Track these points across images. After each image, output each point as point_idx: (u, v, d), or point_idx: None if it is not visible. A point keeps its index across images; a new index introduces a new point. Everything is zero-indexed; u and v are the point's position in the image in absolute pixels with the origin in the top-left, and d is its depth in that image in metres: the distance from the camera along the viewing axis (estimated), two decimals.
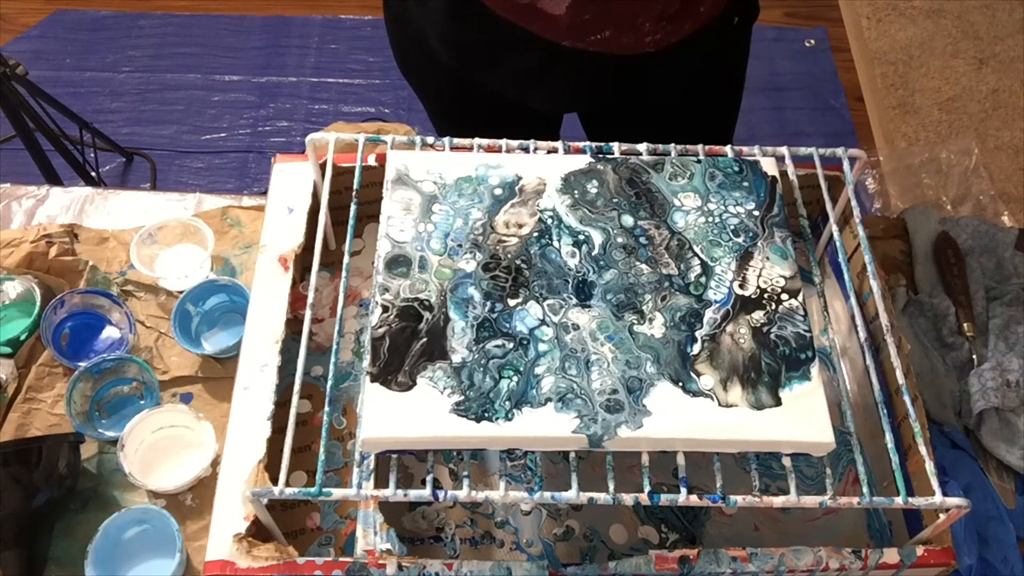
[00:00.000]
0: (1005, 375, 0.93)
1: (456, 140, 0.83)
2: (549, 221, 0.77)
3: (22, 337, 0.94)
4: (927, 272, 1.03)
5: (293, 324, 0.83)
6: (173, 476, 0.86)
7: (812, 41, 2.40)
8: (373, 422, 0.67)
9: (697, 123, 1.02)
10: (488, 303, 0.72)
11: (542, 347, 0.70)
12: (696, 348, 0.71)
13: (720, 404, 0.68)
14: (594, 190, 0.79)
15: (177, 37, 2.38)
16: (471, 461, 0.69)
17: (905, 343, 0.82)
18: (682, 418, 0.68)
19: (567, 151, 0.83)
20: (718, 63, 1.04)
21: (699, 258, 0.75)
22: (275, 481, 0.67)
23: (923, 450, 0.71)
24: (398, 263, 0.74)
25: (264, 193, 0.93)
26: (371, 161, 0.90)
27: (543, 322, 0.71)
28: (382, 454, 0.69)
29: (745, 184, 0.79)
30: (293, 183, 0.90)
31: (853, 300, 0.78)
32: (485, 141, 0.82)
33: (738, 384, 0.69)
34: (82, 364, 0.91)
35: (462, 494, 0.66)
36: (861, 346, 0.83)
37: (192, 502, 0.87)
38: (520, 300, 0.72)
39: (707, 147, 0.83)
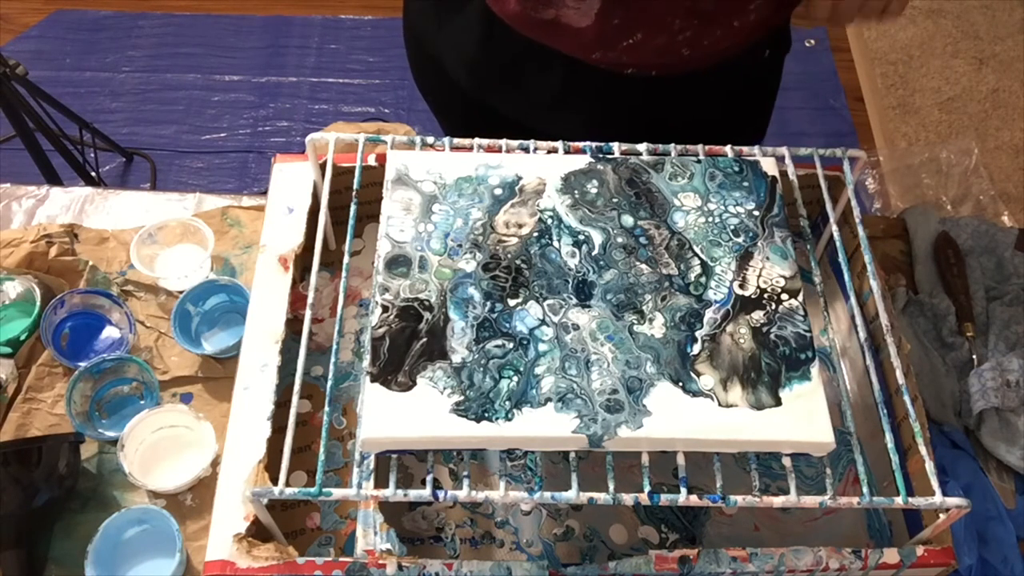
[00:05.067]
0: (1005, 375, 0.93)
1: (456, 140, 0.83)
2: (549, 221, 0.77)
3: (22, 337, 0.94)
4: (927, 272, 1.03)
5: (293, 324, 0.83)
6: (173, 476, 0.86)
7: (812, 41, 2.40)
8: (373, 422, 0.67)
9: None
10: (488, 303, 0.72)
11: (542, 347, 0.70)
12: (696, 348, 0.71)
13: (720, 404, 0.68)
14: (594, 190, 0.79)
15: (177, 37, 2.38)
16: (471, 461, 0.69)
17: (905, 343, 0.82)
18: (682, 418, 0.68)
19: (567, 151, 0.83)
20: (745, 94, 1.01)
21: (699, 258, 0.75)
22: (275, 481, 0.67)
23: (923, 450, 0.71)
24: (398, 263, 0.74)
25: (264, 193, 0.93)
26: (371, 161, 0.90)
27: (543, 322, 0.71)
28: (382, 454, 0.69)
29: (745, 184, 0.79)
30: (293, 183, 0.90)
31: (853, 300, 0.78)
32: (485, 141, 0.82)
33: (738, 384, 0.69)
34: (82, 364, 0.91)
35: (462, 494, 0.66)
36: (861, 346, 0.83)
37: (192, 502, 0.87)
38: (520, 300, 0.72)
39: (707, 147, 0.83)
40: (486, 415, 0.67)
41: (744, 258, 0.75)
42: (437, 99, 1.11)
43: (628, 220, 0.77)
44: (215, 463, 0.86)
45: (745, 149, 0.83)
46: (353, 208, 0.79)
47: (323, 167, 0.85)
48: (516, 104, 0.99)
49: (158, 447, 0.89)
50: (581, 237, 0.76)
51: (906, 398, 0.73)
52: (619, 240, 0.76)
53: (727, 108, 0.99)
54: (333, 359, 0.72)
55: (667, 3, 0.84)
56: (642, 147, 0.82)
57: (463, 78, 0.99)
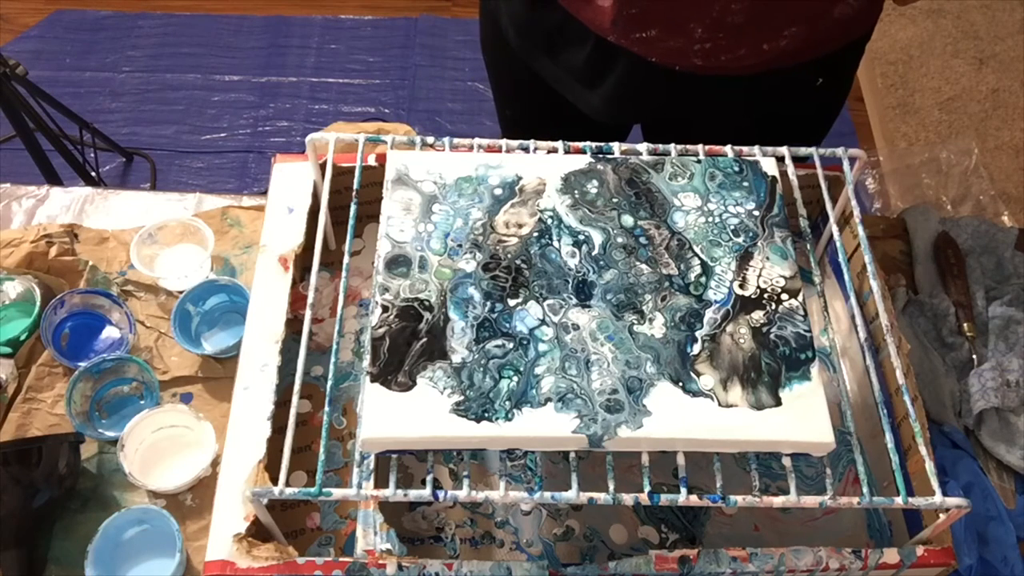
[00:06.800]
0: (1005, 375, 0.93)
1: (456, 140, 0.83)
2: (549, 221, 0.77)
3: (22, 337, 0.94)
4: (927, 272, 1.03)
5: (293, 324, 0.83)
6: (173, 476, 0.86)
7: None
8: (373, 422, 0.67)
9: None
10: (488, 303, 0.72)
11: (542, 347, 0.70)
12: (696, 348, 0.71)
13: (720, 404, 0.68)
14: (594, 190, 0.79)
15: (177, 37, 2.38)
16: (471, 461, 0.69)
17: (905, 343, 0.82)
18: (682, 418, 0.68)
19: (567, 151, 0.83)
20: (787, 117, 0.98)
21: (699, 258, 0.75)
22: (275, 481, 0.67)
23: (923, 450, 0.71)
24: (398, 263, 0.74)
25: (264, 193, 0.93)
26: (371, 161, 0.90)
27: (543, 322, 0.71)
28: (382, 454, 0.69)
29: (745, 184, 0.79)
30: (293, 183, 0.90)
31: (853, 300, 0.78)
32: (485, 141, 0.82)
33: (738, 384, 0.69)
34: (82, 364, 0.91)
35: (462, 494, 0.66)
36: (861, 346, 0.83)
37: (192, 502, 0.87)
38: (520, 300, 0.72)
39: (707, 147, 0.83)
40: (486, 415, 0.67)
41: (744, 258, 0.75)
42: (492, 57, 1.13)
43: (628, 220, 0.77)
44: (215, 463, 0.86)
45: (745, 149, 0.83)
46: (353, 208, 0.79)
47: (323, 167, 0.85)
48: (555, 72, 0.99)
49: (158, 447, 0.89)
50: (581, 237, 0.76)
51: (906, 398, 0.73)
52: (619, 240, 0.76)
53: (764, 124, 0.96)
54: (333, 359, 0.72)
55: (692, 8, 0.83)
56: (642, 147, 0.82)
57: (512, 38, 1.00)
